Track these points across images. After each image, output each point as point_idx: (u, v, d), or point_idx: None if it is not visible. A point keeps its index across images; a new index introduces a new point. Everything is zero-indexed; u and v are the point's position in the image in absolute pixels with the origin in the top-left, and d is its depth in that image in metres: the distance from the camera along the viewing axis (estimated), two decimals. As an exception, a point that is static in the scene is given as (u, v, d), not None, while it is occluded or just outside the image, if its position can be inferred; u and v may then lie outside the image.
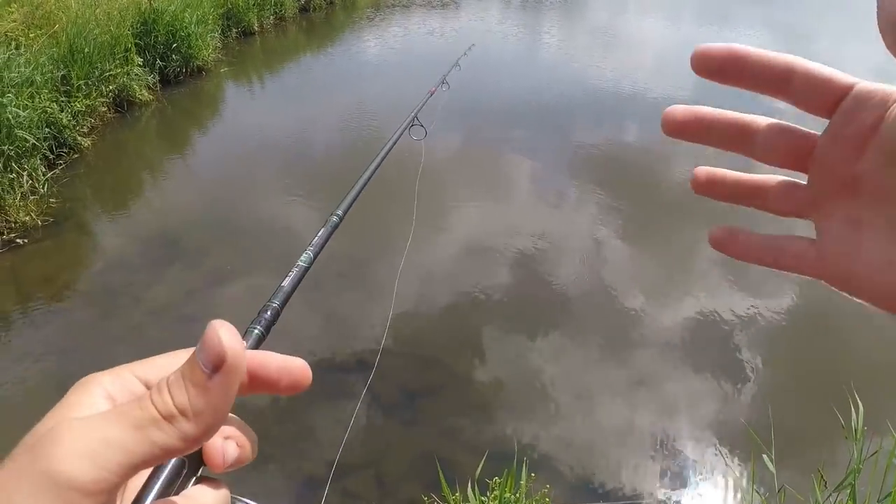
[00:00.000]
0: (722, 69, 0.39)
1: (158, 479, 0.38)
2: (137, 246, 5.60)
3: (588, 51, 13.30)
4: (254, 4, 12.36)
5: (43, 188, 6.00)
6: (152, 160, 7.54)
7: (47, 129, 6.42)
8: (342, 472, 3.64)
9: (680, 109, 0.43)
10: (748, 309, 5.20)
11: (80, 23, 7.50)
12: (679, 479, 3.80)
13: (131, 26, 8.56)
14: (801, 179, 0.43)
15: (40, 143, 6.20)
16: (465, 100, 8.91)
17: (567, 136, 8.70)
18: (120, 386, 0.39)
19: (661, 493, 3.71)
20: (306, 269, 0.76)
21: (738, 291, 5.43)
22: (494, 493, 2.77)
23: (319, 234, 0.91)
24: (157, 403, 0.34)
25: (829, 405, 3.10)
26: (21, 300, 4.81)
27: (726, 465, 3.86)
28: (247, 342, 0.64)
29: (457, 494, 2.80)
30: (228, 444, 0.40)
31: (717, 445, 4.00)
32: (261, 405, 3.92)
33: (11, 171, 5.69)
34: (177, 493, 0.39)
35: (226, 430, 0.41)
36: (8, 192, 5.51)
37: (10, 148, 5.72)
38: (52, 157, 6.50)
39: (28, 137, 5.90)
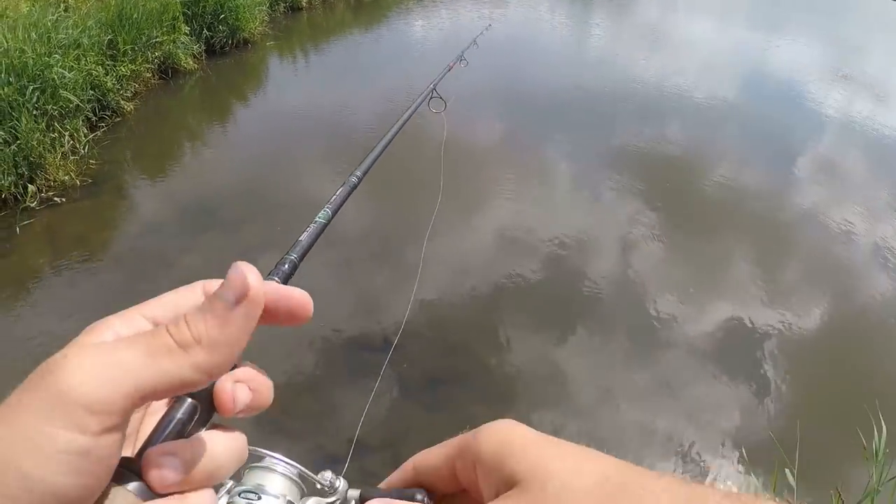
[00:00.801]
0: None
1: (170, 421, 0.38)
2: (173, 212, 5.62)
3: (631, 46, 13.11)
4: (303, -21, 12.37)
5: (84, 149, 6.04)
6: (193, 128, 7.58)
7: (91, 92, 6.48)
8: (361, 451, 3.61)
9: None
10: (778, 320, 5.07)
11: (130, -11, 7.55)
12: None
13: (181, -5, 8.61)
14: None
15: (84, 105, 6.25)
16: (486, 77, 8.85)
17: (601, 128, 8.58)
18: (130, 327, 0.38)
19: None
20: (325, 226, 0.78)
21: (771, 301, 5.29)
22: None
23: (338, 192, 0.93)
24: (172, 332, 0.34)
25: (854, 424, 2.99)
26: (55, 258, 4.85)
27: (746, 475, 3.76)
28: None
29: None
30: (239, 387, 0.39)
31: (738, 455, 3.90)
32: (279, 380, 3.91)
33: (54, 131, 5.74)
34: (188, 437, 0.38)
35: (237, 373, 0.39)
36: (49, 151, 5.55)
37: (54, 108, 5.77)
38: (94, 119, 6.56)
39: (72, 98, 5.94)
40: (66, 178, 5.59)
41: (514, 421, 0.41)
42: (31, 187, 5.30)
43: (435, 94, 2.34)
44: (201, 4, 8.94)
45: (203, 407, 0.39)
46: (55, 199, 5.39)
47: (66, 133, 5.86)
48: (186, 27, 8.54)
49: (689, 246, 5.98)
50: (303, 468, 0.69)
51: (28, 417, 0.30)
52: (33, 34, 6.01)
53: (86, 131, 6.22)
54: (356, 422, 3.49)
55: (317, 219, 0.79)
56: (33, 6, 6.86)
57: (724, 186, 7.25)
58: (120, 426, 0.32)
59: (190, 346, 0.34)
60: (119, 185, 5.93)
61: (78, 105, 6.08)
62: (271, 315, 0.40)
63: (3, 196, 5.18)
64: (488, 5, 15.35)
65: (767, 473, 3.65)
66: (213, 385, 0.38)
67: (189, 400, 0.38)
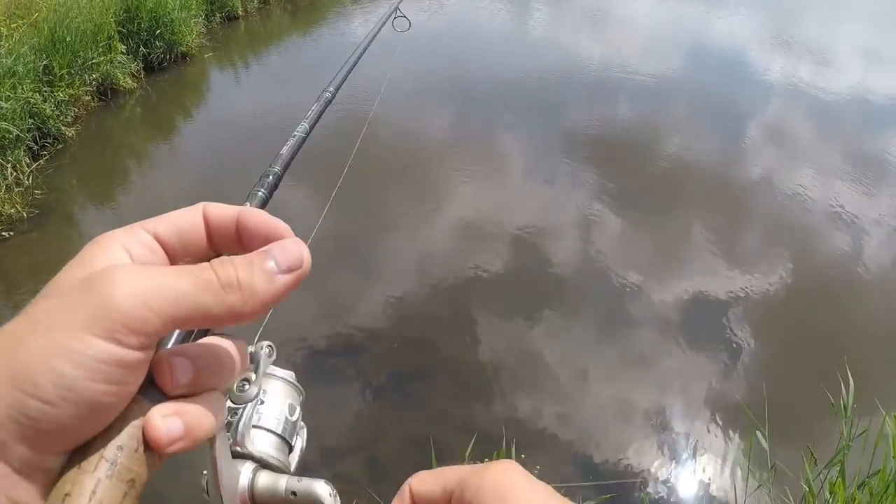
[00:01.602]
0: None
1: (172, 333, 0.40)
2: (125, 235, 5.56)
3: (571, 27, 13.25)
4: (238, -12, 12.24)
5: (28, 180, 5.94)
6: (138, 148, 7.50)
7: (31, 120, 6.36)
8: (335, 456, 3.66)
9: None
10: (743, 285, 5.24)
11: (62, 11, 7.42)
12: (672, 457, 3.84)
13: (114, 13, 8.46)
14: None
15: (24, 135, 6.14)
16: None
17: (548, 110, 8.68)
18: (134, 239, 0.41)
19: (653, 472, 3.74)
20: (304, 139, 0.82)
21: (732, 268, 5.46)
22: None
23: (313, 108, 0.97)
24: (218, 271, 0.37)
25: (824, 381, 3.12)
26: (8, 293, 4.80)
27: (723, 441, 3.90)
28: (252, 202, 0.67)
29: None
30: None
31: (711, 423, 4.03)
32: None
33: (-5, 164, 5.65)
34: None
35: None
36: (-7, 184, 5.47)
37: (-7, 140, 5.68)
38: (36, 148, 6.44)
39: (11, 129, 5.84)
40: (13, 210, 5.50)
41: (515, 466, 0.41)
42: (-24, 223, 5.22)
43: (399, 14, 2.34)
44: (136, 21, 8.80)
45: None
46: (3, 233, 5.32)
47: (9, 165, 5.77)
48: (122, 46, 8.40)
49: (645, 221, 6.12)
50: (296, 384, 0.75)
51: (68, 325, 0.33)
52: (-34, 66, 5.90)
53: (28, 161, 6.11)
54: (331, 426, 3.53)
55: (295, 133, 0.84)
56: (-37, 36, 6.72)
57: (676, 159, 7.42)
58: (152, 345, 0.35)
59: (231, 288, 0.36)
60: (67, 214, 5.86)
61: (18, 135, 5.98)
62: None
63: (-51, 234, 5.09)
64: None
65: (743, 438, 3.79)
66: None
67: None
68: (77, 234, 5.67)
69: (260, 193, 0.62)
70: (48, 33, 7.09)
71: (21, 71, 6.38)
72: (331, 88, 1.13)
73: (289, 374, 0.67)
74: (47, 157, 6.48)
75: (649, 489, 3.63)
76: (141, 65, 8.85)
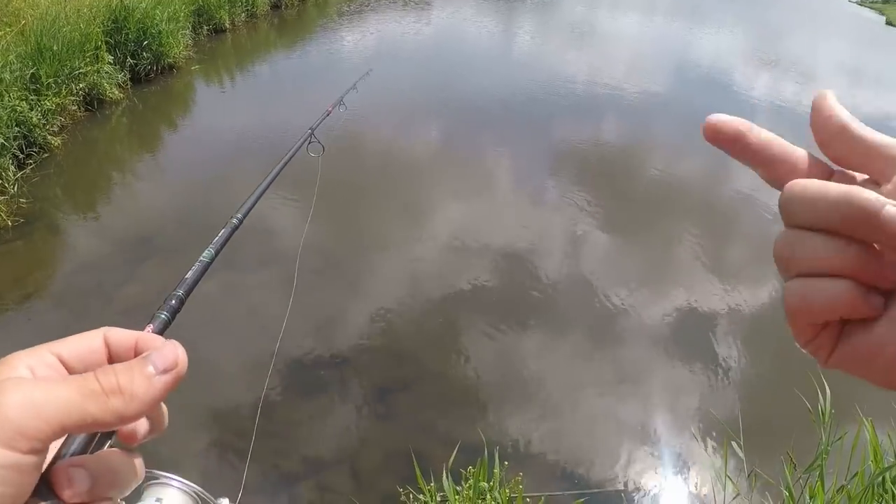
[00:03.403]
0: (728, 143, 0.41)
1: (75, 439, 0.43)
2: (109, 245, 5.57)
3: (558, 45, 13.37)
4: (225, 1, 12.28)
5: (13, 188, 5.93)
6: (123, 159, 7.49)
7: (17, 129, 6.35)
8: (319, 468, 3.67)
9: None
10: (723, 300, 5.33)
11: (49, 19, 7.42)
12: (651, 467, 3.87)
13: (102, 23, 8.48)
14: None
15: (9, 143, 6.13)
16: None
17: (536, 128, 8.76)
18: (38, 360, 0.44)
19: (635, 481, 3.77)
20: (208, 264, 0.84)
21: (714, 283, 5.53)
22: (469, 481, 2.81)
23: (221, 234, 1.00)
24: (101, 379, 0.39)
25: (801, 390, 3.17)
26: (-8, 301, 4.77)
27: (701, 452, 3.94)
28: (154, 325, 0.70)
29: (431, 485, 2.84)
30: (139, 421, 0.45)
31: (691, 433, 4.08)
32: (238, 404, 3.94)
33: (-20, 172, 5.63)
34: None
35: None
36: (-23, 192, 5.45)
37: (-21, 148, 5.66)
38: (21, 156, 6.43)
39: (-4, 137, 5.84)
40: (-3, 219, 5.49)
41: None
42: (-39, 231, 5.20)
43: (313, 139, 2.41)
44: (123, 32, 8.82)
45: (104, 431, 0.44)
46: (-13, 241, 5.30)
47: (-6, 173, 5.76)
48: (110, 56, 8.42)
49: (627, 237, 6.19)
50: (200, 489, 0.77)
51: None
52: (-47, 73, 5.89)
53: (14, 169, 6.09)
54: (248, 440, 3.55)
55: (201, 258, 0.86)
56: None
57: (660, 175, 7.53)
58: (44, 449, 0.37)
59: (114, 393, 0.39)
60: (52, 223, 5.84)
61: (3, 143, 5.97)
62: None
63: (-68, 242, 5.07)
64: (413, 14, 15.49)
65: (722, 447, 3.83)
66: None
67: None
68: (61, 243, 5.66)
69: (163, 316, 0.66)
70: (35, 42, 7.09)
71: (8, 79, 6.38)
72: (238, 215, 1.19)
73: (188, 488, 0.69)
74: (33, 165, 6.47)
75: (631, 498, 3.67)
76: (128, 76, 8.88)
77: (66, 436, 0.41)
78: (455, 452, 2.93)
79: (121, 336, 0.47)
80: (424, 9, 16.75)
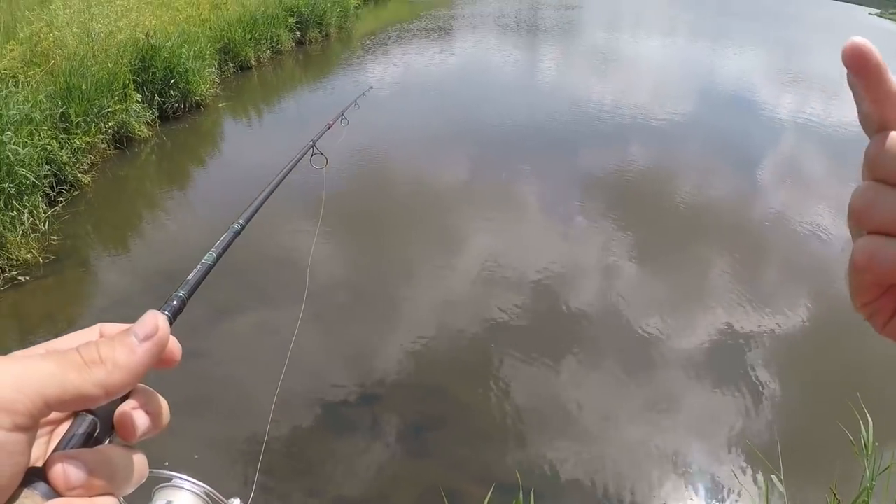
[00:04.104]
0: (863, 68, 0.37)
1: (73, 434, 0.42)
2: (139, 282, 5.54)
3: (584, 70, 13.37)
4: (250, 39, 12.43)
5: (44, 225, 5.94)
6: (152, 196, 7.51)
7: (47, 167, 6.38)
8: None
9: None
10: (757, 327, 5.18)
11: (77, 59, 7.51)
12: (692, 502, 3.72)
13: (129, 62, 8.59)
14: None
15: (40, 181, 6.15)
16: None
17: (566, 153, 8.70)
18: (29, 352, 0.42)
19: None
20: (210, 267, 0.86)
21: (748, 308, 5.39)
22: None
23: (223, 238, 1.04)
24: (81, 351, 0.39)
25: (841, 419, 3.03)
26: (22, 337, 4.74)
27: (741, 487, 3.78)
28: None
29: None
30: (138, 414, 0.44)
31: (730, 465, 3.93)
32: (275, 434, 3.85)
33: (12, 209, 5.62)
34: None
35: (135, 398, 0.45)
36: (9, 229, 5.45)
37: (11, 185, 5.67)
38: (52, 194, 6.45)
39: (28, 175, 5.85)
40: (29, 255, 5.48)
41: None
42: (-7, 268, 5.19)
43: (316, 151, 2.40)
44: (151, 71, 8.93)
45: (103, 426, 0.43)
46: (19, 277, 5.28)
47: (25, 210, 5.75)
48: (138, 94, 8.50)
49: (659, 262, 6.07)
50: (210, 489, 0.74)
51: None
52: (-16, 112, 5.93)
53: (45, 207, 6.11)
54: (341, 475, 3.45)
55: (203, 261, 0.87)
56: (-18, 84, 6.79)
57: (689, 199, 7.41)
58: (28, 427, 0.36)
59: (95, 364, 0.39)
60: (82, 260, 5.83)
61: (34, 181, 5.99)
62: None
63: (-36, 279, 5.06)
64: (437, 45, 15.62)
65: (763, 478, 3.68)
66: (113, 408, 0.43)
67: (90, 417, 0.42)
68: (91, 280, 5.64)
69: (165, 315, 0.62)
70: (64, 81, 7.16)
71: (38, 118, 6.43)
72: (241, 220, 1.21)
73: (199, 489, 0.67)
74: (63, 203, 6.49)
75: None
76: (156, 113, 8.96)
77: (62, 433, 0.42)
78: (490, 493, 2.81)
79: (116, 329, 0.47)
80: (447, 40, 16.88)
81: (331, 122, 3.17)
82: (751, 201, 7.52)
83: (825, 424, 3.77)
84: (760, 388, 4.56)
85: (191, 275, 0.79)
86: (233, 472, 3.65)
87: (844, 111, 10.97)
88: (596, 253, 6.25)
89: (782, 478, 2.66)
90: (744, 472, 3.86)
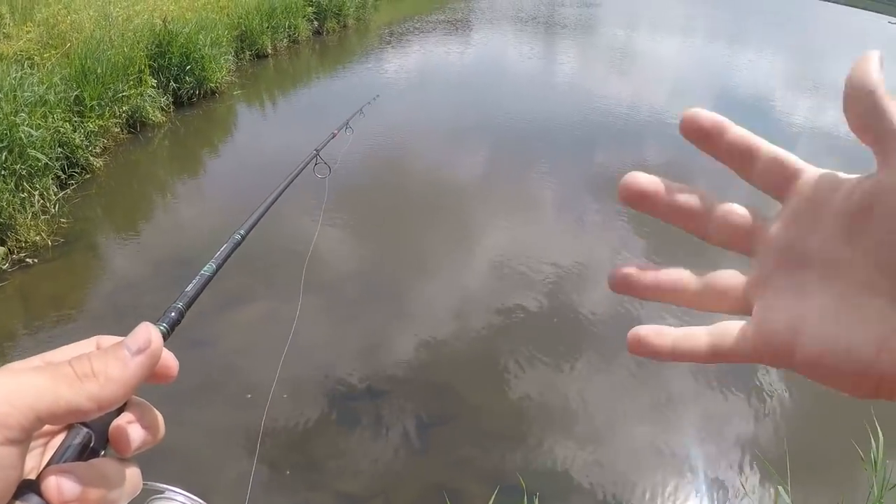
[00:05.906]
0: (706, 136, 0.41)
1: (67, 447, 0.41)
2: (148, 267, 5.53)
3: (602, 71, 13.31)
4: (267, 27, 12.42)
5: (54, 208, 5.94)
6: (164, 181, 7.51)
7: (60, 149, 6.38)
8: (351, 501, 3.54)
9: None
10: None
11: (93, 43, 7.51)
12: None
13: (145, 47, 8.59)
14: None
15: (52, 163, 6.15)
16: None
17: (581, 155, 8.65)
18: (24, 364, 0.42)
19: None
20: (209, 278, 0.85)
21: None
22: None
23: (223, 249, 1.04)
24: (74, 364, 0.39)
25: (852, 433, 2.98)
26: (30, 319, 4.74)
27: (747, 493, 3.74)
28: None
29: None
30: (133, 427, 0.44)
31: (739, 474, 3.88)
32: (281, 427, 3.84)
33: (23, 191, 5.63)
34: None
35: (130, 412, 0.45)
36: (19, 211, 5.45)
37: (23, 167, 5.67)
38: (63, 177, 6.45)
39: (40, 157, 5.85)
40: (38, 238, 5.47)
41: None
42: (1, 249, 5.19)
43: (319, 160, 2.41)
44: (167, 56, 8.92)
45: (97, 439, 0.43)
46: (27, 260, 5.28)
47: (36, 192, 5.76)
48: (153, 80, 8.49)
49: (673, 263, 6.01)
50: (203, 502, 0.72)
51: None
52: (-1, 93, 5.94)
53: (55, 189, 6.12)
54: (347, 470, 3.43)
55: (202, 272, 0.85)
56: (-2, 64, 6.80)
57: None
58: (20, 441, 0.36)
59: (87, 377, 0.38)
60: (92, 243, 5.83)
61: (46, 164, 5.98)
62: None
63: (-27, 260, 5.07)
64: (454, 38, 15.59)
65: (770, 490, 3.64)
66: (108, 420, 0.43)
67: (84, 430, 0.42)
68: (100, 264, 5.64)
69: (161, 328, 0.60)
70: (79, 64, 7.16)
71: (52, 100, 6.43)
72: (241, 231, 1.21)
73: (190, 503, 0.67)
74: (74, 186, 6.50)
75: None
76: (170, 99, 8.96)
77: (57, 445, 0.42)
78: (494, 495, 2.79)
79: (113, 343, 0.45)
80: (464, 33, 16.83)
81: (335, 131, 3.18)
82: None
83: (835, 437, 3.72)
84: (772, 396, 4.51)
85: (189, 286, 0.77)
86: (229, 465, 3.64)
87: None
88: (609, 254, 6.21)
89: (789, 489, 2.62)
90: (751, 481, 3.82)
